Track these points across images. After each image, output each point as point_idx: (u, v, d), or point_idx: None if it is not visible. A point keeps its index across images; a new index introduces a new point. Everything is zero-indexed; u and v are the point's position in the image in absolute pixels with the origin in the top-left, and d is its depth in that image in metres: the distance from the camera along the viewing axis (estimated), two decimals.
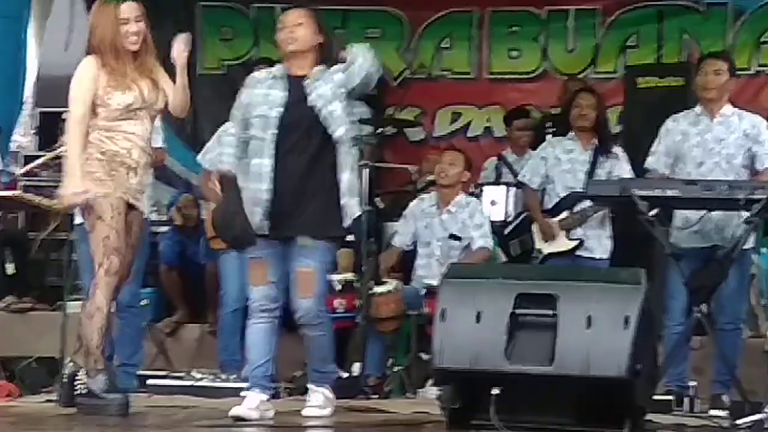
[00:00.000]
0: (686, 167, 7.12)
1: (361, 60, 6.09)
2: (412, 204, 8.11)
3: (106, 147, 6.14)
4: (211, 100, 9.52)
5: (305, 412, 6.18)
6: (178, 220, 8.73)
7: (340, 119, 6.11)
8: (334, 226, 6.13)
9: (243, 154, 6.15)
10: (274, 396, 6.32)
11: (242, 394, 6.18)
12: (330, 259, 6.30)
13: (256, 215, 6.08)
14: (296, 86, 6.14)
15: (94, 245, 6.14)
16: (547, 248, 7.88)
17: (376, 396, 7.23)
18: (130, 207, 6.19)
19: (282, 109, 6.11)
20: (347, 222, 6.14)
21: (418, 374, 7.49)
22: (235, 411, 6.00)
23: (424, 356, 7.37)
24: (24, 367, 6.99)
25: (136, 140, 6.17)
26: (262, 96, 6.15)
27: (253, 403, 6.05)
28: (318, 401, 6.21)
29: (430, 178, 8.68)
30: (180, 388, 6.74)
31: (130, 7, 6.18)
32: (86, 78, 6.17)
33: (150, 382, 7.12)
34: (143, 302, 7.47)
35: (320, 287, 6.16)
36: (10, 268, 8.59)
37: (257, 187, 6.08)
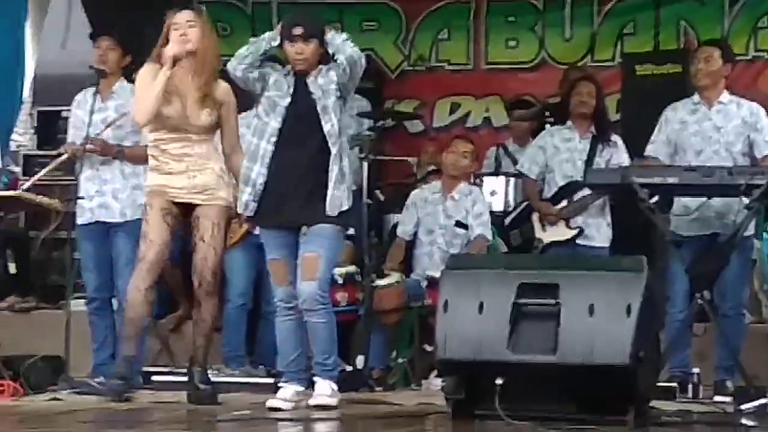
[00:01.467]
0: (686, 156, 7.14)
1: (342, 58, 6.22)
2: (414, 192, 8.13)
3: (151, 159, 6.49)
4: None
5: (312, 401, 6.21)
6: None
7: (332, 114, 6.23)
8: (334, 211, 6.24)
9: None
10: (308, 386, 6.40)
11: (280, 384, 6.34)
12: (337, 248, 6.35)
13: (245, 194, 6.25)
14: (301, 81, 6.31)
15: None
16: (547, 237, 7.88)
17: (380, 388, 7.24)
18: (192, 206, 6.42)
19: (290, 99, 6.27)
20: (332, 212, 6.19)
21: (421, 366, 7.51)
22: (271, 402, 6.16)
23: (428, 348, 7.39)
24: (28, 366, 6.99)
25: (175, 151, 6.40)
26: (274, 82, 6.29)
27: (287, 394, 6.21)
28: (325, 390, 6.24)
29: (431, 168, 8.68)
30: (184, 384, 6.73)
31: (183, 14, 6.44)
32: (141, 81, 6.44)
33: (154, 378, 7.14)
34: None
35: (323, 273, 6.23)
36: (12, 268, 8.60)
37: (251, 167, 6.24)
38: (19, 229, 9.07)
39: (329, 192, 6.19)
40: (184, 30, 6.40)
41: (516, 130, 9.18)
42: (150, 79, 6.37)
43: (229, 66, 6.33)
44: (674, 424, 5.84)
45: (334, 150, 6.21)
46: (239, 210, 6.37)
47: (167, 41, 6.41)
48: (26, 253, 8.76)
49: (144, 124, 6.46)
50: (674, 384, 6.83)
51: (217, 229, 6.45)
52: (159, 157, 6.47)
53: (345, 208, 6.25)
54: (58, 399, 6.60)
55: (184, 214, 6.49)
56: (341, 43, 6.25)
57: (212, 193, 6.46)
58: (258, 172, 6.24)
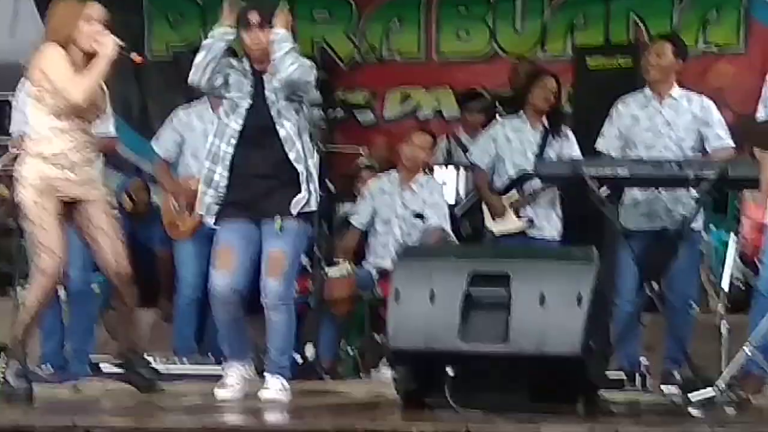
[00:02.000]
0: (636, 150, 7.18)
1: (279, 77, 6.10)
2: (370, 182, 8.12)
3: (48, 147, 6.10)
4: (159, 85, 9.47)
5: (262, 394, 6.15)
6: (127, 205, 8.67)
7: (285, 118, 6.14)
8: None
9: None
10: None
11: (223, 367, 6.29)
12: (301, 243, 6.27)
13: (207, 196, 6.15)
14: (259, 81, 6.19)
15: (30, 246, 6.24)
16: (497, 228, 7.90)
17: (330, 378, 7.24)
18: (79, 202, 6.16)
19: (250, 101, 6.16)
20: (294, 210, 6.12)
21: (371, 356, 7.52)
22: (219, 394, 6.13)
23: (378, 338, 7.40)
24: None
25: (77, 140, 6.13)
26: (234, 82, 6.18)
27: (233, 380, 6.18)
28: (275, 386, 6.17)
29: (367, 162, 8.71)
30: (125, 373, 6.67)
31: (98, 10, 6.15)
32: (64, 61, 6.06)
33: (103, 367, 7.11)
34: (94, 288, 7.43)
35: (289, 270, 6.14)
36: None
37: (213, 168, 6.14)
38: None
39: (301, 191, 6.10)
40: (100, 31, 6.11)
41: (468, 121, 9.19)
42: (66, 61, 6.06)
43: (191, 80, 6.16)
44: (623, 413, 5.87)
45: (292, 154, 6.10)
46: (200, 212, 6.25)
47: (71, 26, 6.10)
48: None
49: (81, 105, 6.06)
50: (622, 374, 6.88)
51: (113, 220, 6.27)
52: (63, 146, 6.11)
53: (312, 209, 6.17)
54: None
55: (68, 209, 6.17)
56: (280, 58, 6.06)
57: (99, 187, 6.26)
58: (220, 174, 6.13)
